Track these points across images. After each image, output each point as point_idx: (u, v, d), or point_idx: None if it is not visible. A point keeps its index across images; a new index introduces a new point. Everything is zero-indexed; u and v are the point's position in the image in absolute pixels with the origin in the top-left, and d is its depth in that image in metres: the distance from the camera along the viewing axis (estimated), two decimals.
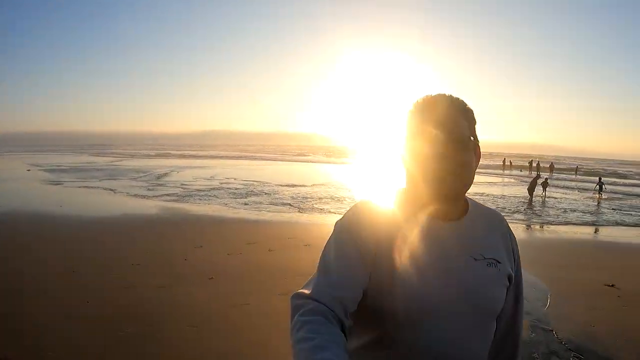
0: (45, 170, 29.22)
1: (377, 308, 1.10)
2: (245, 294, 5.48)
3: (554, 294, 6.03)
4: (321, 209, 14.34)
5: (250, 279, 6.13)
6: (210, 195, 17.17)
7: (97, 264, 6.67)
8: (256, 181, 23.38)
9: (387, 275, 1.08)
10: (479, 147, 1.19)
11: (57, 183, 21.45)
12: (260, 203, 15.31)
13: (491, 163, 53.52)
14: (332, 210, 14.01)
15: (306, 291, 1.04)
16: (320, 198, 17.24)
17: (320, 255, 1.13)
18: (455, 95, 1.19)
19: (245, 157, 57.92)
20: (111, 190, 18.63)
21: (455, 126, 1.13)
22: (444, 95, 1.18)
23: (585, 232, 12.85)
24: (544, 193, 20.76)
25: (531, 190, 19.25)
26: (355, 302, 1.06)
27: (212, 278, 6.09)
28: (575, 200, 20.85)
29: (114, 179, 23.68)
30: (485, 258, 1.15)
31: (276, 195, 17.63)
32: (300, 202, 15.90)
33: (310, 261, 6.96)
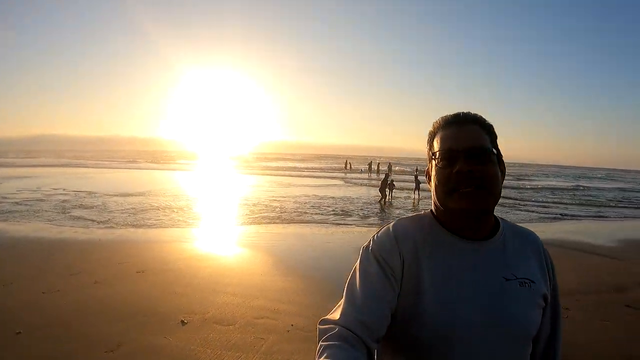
0: None
1: (406, 334, 1.08)
2: (64, 356, 4.38)
3: None
4: (156, 223, 13.34)
5: (69, 329, 5.00)
6: (32, 211, 15.01)
7: None
8: (87, 191, 21.25)
9: (414, 298, 1.08)
10: (502, 160, 1.19)
11: None
12: (88, 218, 13.77)
13: (335, 165, 57.39)
14: (168, 224, 13.17)
15: (332, 317, 1.06)
16: (157, 209, 16.19)
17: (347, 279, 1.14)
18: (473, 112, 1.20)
19: (79, 165, 52.66)
20: None
21: (477, 140, 1.12)
22: (463, 112, 1.18)
23: None
24: (390, 193, 22.03)
25: (383, 190, 20.53)
26: (382, 326, 1.06)
27: (19, 333, 4.88)
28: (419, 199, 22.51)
29: None
30: (517, 278, 1.12)
31: (108, 207, 16.10)
32: (133, 214, 14.65)
33: (145, 293, 5.95)
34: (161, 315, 5.43)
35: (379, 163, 48.59)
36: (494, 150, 1.15)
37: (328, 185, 29.42)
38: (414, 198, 22.81)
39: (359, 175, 42.15)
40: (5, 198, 18.15)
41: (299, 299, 6.16)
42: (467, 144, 1.11)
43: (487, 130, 1.17)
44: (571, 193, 31.81)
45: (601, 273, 8.37)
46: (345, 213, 16.30)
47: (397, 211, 17.92)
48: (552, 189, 34.95)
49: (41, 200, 17.81)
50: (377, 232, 1.19)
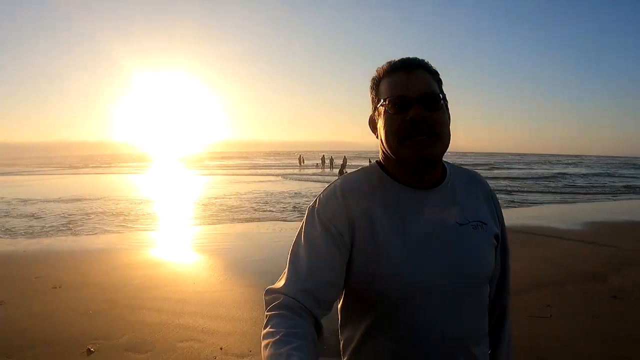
0: None
1: (370, 291, 1.06)
2: None
3: None
4: (92, 229, 12.14)
5: None
6: None
7: None
8: (22, 199, 19.62)
9: (372, 254, 1.05)
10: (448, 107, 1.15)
11: None
12: (18, 227, 12.48)
13: (288, 161, 56.92)
14: (104, 230, 12.00)
15: (277, 285, 1.04)
16: (96, 214, 14.95)
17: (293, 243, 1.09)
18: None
19: (21, 172, 49.80)
20: None
21: (428, 85, 1.09)
22: (409, 58, 1.13)
23: None
24: None
25: None
26: (330, 293, 1.04)
27: None
28: None
29: None
30: (470, 221, 1.12)
31: (42, 215, 14.72)
32: (68, 222, 13.31)
33: (53, 315, 4.75)
34: (64, 343, 4.52)
35: (331, 157, 47.94)
36: (442, 96, 1.11)
37: (276, 182, 28.63)
38: None
39: (312, 171, 41.32)
40: None
41: (235, 313, 5.31)
42: (419, 90, 1.07)
43: (434, 75, 1.13)
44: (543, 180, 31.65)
45: (576, 260, 7.74)
46: (296, 209, 15.41)
47: None
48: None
49: None
50: (324, 191, 1.14)
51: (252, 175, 36.86)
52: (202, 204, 17.06)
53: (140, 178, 36.84)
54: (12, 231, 11.94)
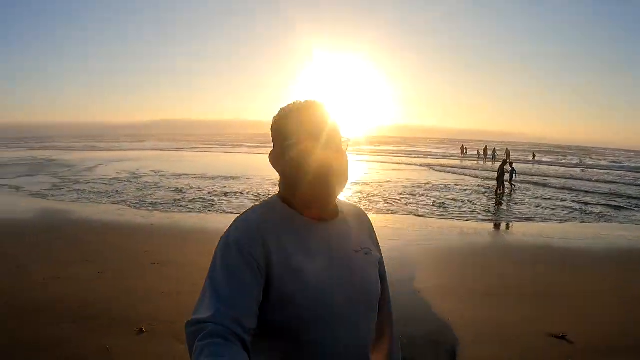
0: None
1: (282, 318, 1.10)
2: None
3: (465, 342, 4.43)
4: (227, 208, 12.64)
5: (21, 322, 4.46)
6: (114, 193, 15.41)
7: None
8: (176, 174, 21.58)
9: (281, 282, 1.09)
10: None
11: None
12: (157, 201, 13.57)
13: (453, 152, 55.06)
14: (237, 209, 12.22)
15: (200, 316, 1.02)
16: (241, 193, 15.62)
17: (207, 275, 1.09)
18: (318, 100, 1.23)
19: (193, 149, 54.65)
20: (16, 188, 16.82)
21: (335, 133, 1.18)
22: (314, 101, 1.22)
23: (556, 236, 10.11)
24: (511, 183, 18.98)
25: (500, 178, 17.62)
26: (252, 317, 1.05)
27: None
28: (549, 194, 18.44)
29: (31, 176, 21.49)
30: (362, 249, 1.25)
31: (187, 191, 15.92)
32: (208, 199, 14.16)
33: (136, 290, 4.74)
34: (126, 320, 4.61)
35: (494, 148, 44.76)
36: (344, 139, 1.21)
37: (421, 171, 27.29)
38: (511, 189, 18.68)
39: (470, 162, 38.75)
40: (102, 181, 19.15)
41: None
42: (327, 136, 1.16)
43: (336, 120, 1.21)
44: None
45: None
46: (436, 204, 14.21)
47: (517, 207, 14.68)
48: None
49: (125, 180, 18.52)
50: (235, 222, 1.17)
51: (399, 163, 35.70)
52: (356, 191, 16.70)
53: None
54: (155, 203, 12.99)
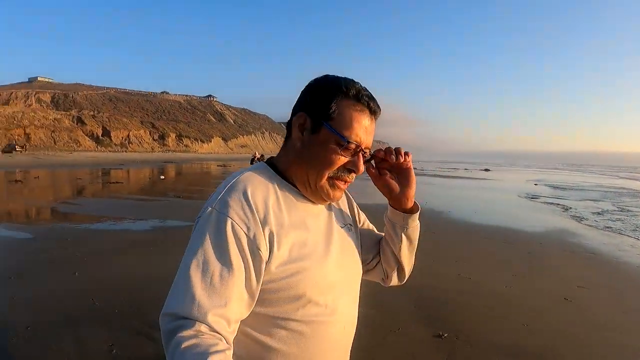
0: (547, 186, 31.74)
1: (287, 291, 1.06)
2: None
3: None
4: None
5: None
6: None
7: None
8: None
9: (284, 263, 1.05)
10: None
11: (534, 198, 21.66)
12: None
13: None
14: None
15: (182, 310, 0.92)
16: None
17: (190, 253, 0.98)
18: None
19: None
20: (565, 208, 17.33)
21: (370, 144, 1.17)
22: (374, 98, 1.15)
23: None
24: None
25: None
26: (244, 308, 1.00)
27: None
28: None
29: (594, 200, 21.55)
30: (346, 224, 1.29)
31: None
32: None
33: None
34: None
35: None
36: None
37: None
38: None
39: None
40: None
41: None
42: (369, 146, 1.15)
43: None
44: None
45: None
46: None
47: None
48: None
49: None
50: (228, 194, 1.05)
51: None
52: None
53: None
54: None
